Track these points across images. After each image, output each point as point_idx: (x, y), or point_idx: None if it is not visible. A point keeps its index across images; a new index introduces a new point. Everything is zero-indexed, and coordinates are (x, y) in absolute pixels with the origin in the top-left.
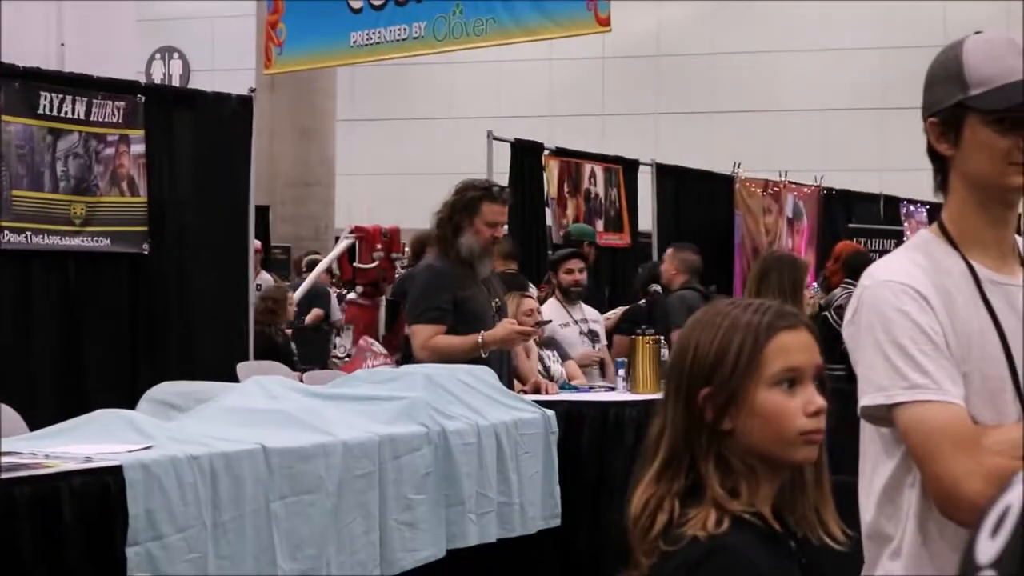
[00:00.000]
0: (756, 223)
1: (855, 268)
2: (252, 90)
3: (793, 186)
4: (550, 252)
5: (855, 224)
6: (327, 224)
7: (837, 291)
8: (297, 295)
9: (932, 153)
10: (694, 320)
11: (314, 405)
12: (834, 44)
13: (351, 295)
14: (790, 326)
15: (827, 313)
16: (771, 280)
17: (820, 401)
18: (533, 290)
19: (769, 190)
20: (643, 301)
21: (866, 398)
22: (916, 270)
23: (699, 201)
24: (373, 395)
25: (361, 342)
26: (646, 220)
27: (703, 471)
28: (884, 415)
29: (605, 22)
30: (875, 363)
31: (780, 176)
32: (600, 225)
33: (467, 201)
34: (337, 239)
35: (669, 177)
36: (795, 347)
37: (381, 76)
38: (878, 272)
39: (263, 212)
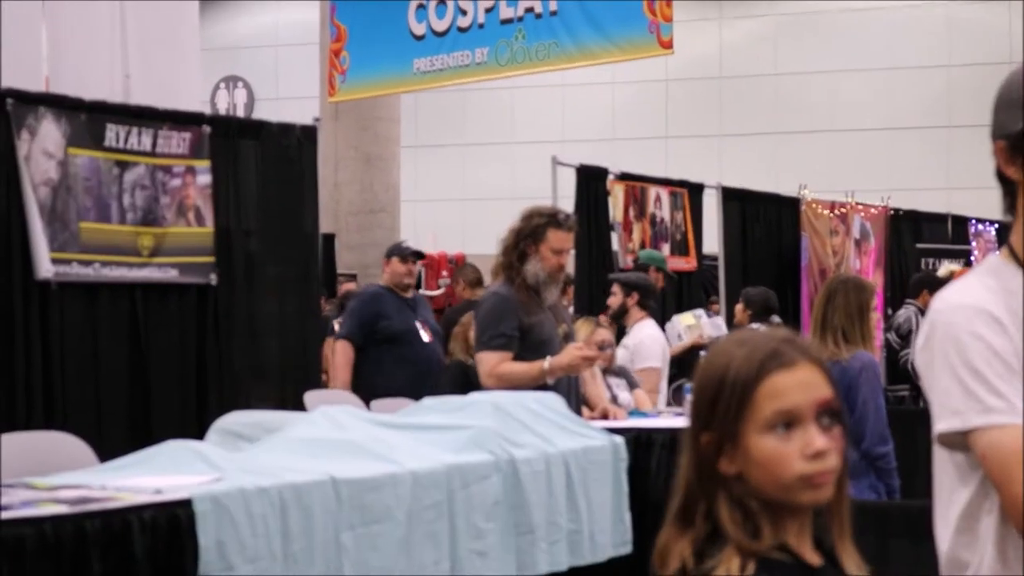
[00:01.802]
0: (823, 245)
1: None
2: (317, 120)
3: (860, 207)
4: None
5: (923, 244)
6: None
7: (900, 312)
8: None
9: (1000, 176)
10: (708, 354)
11: (382, 434)
12: (899, 62)
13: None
14: (785, 364)
15: (888, 335)
16: (837, 303)
17: (819, 443)
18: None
19: (835, 211)
20: (761, 327)
21: (941, 423)
22: (988, 294)
23: (765, 223)
24: (441, 424)
25: None
26: (711, 243)
27: (719, 515)
28: (960, 440)
29: (668, 44)
30: (950, 388)
31: (847, 197)
32: (666, 249)
33: (533, 228)
34: None
35: (735, 200)
36: (790, 387)
37: (444, 102)
38: (950, 296)
39: (329, 240)
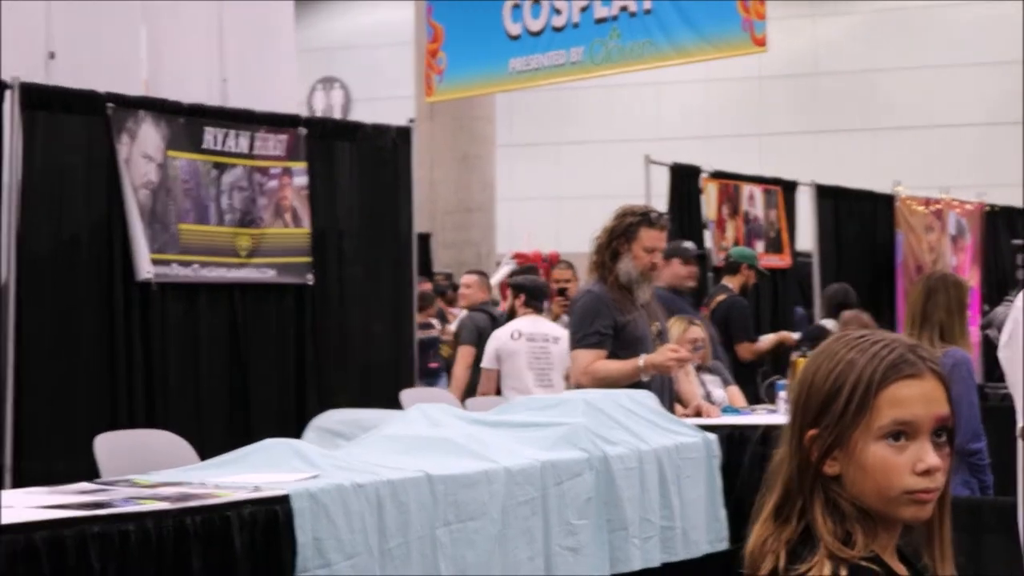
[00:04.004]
0: (918, 241)
1: None
2: (411, 120)
3: (955, 203)
4: (710, 275)
5: (1019, 240)
6: (488, 250)
7: (1000, 309)
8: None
9: None
10: (818, 350)
11: (476, 432)
12: (995, 57)
13: None
14: (912, 374)
15: (988, 332)
16: (938, 300)
17: (932, 459)
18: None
19: (931, 208)
20: (831, 323)
21: None
22: None
23: (860, 220)
24: (534, 421)
25: None
26: (805, 240)
27: (813, 516)
28: None
29: (761, 42)
30: None
31: (941, 193)
32: (760, 247)
33: (625, 227)
34: (498, 264)
35: (829, 197)
36: (912, 398)
37: (539, 101)
38: None
39: (424, 239)
